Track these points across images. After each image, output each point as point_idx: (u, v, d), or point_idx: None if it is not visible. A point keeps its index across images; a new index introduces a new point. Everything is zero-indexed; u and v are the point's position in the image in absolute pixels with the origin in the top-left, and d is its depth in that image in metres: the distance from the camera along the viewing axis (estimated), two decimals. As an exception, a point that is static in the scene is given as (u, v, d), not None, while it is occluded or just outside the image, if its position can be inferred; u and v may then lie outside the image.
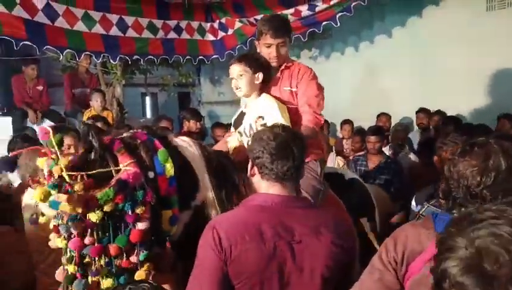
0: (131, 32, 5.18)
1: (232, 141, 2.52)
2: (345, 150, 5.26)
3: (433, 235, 1.34)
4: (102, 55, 5.11)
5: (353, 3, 5.18)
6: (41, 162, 1.66)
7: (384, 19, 6.41)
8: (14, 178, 2.96)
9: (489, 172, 1.31)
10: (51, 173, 1.60)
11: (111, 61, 5.56)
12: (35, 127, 5.59)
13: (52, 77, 6.88)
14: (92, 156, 1.67)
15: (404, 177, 4.25)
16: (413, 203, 2.68)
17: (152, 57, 5.52)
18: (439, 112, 5.39)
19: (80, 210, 1.55)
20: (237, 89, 2.44)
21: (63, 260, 1.70)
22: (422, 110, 5.49)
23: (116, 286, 1.55)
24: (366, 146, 4.63)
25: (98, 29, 4.91)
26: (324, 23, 5.43)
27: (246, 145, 2.38)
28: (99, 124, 4.43)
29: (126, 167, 1.67)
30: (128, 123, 6.03)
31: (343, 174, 3.15)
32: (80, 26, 4.77)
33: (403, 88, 6.09)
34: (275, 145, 1.61)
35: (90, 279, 1.66)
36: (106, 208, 1.60)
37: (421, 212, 2.37)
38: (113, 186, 1.61)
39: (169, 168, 1.83)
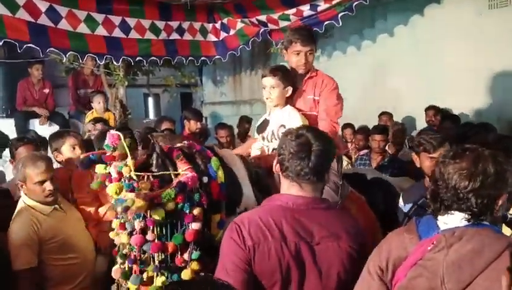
0: (133, 34, 5.18)
1: (256, 148, 2.75)
2: (350, 152, 5.27)
3: (416, 240, 1.40)
4: (105, 57, 5.12)
5: (355, 3, 5.17)
6: (100, 169, 1.85)
7: (386, 18, 6.40)
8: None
9: (477, 176, 1.36)
10: (120, 174, 1.79)
11: (114, 62, 5.58)
12: (37, 128, 5.64)
13: (56, 79, 6.92)
14: (154, 160, 1.88)
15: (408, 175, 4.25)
16: (401, 202, 2.70)
17: (155, 58, 5.53)
18: (433, 107, 5.40)
19: (144, 207, 1.73)
20: (268, 99, 2.67)
21: (118, 258, 1.88)
22: (431, 108, 5.48)
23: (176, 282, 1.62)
24: (370, 144, 4.65)
25: (100, 31, 4.92)
26: (326, 22, 5.43)
27: (266, 151, 2.65)
28: (99, 126, 4.47)
29: (185, 172, 1.88)
30: (131, 124, 6.07)
31: (364, 174, 3.24)
32: (83, 28, 4.78)
33: (405, 87, 6.09)
34: (294, 144, 1.64)
35: (146, 275, 1.81)
36: (168, 207, 1.79)
37: (409, 214, 2.40)
38: (174, 187, 1.80)
39: (221, 175, 2.05)
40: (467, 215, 1.37)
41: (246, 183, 2.19)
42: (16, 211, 2.51)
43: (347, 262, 1.61)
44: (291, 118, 2.59)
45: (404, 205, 2.67)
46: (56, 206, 2.57)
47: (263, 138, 2.71)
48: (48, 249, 2.47)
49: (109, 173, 1.83)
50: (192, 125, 5.17)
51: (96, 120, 4.90)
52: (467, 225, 1.36)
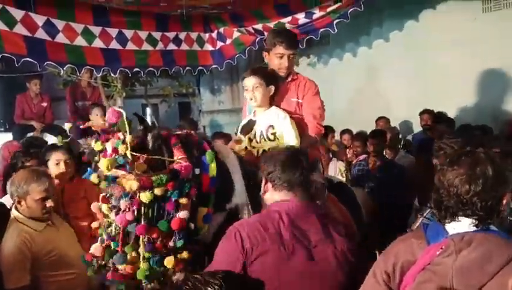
0: (130, 45, 5.22)
1: (239, 146, 2.69)
2: (349, 158, 5.27)
3: (425, 245, 1.40)
4: (102, 69, 5.14)
5: (350, 10, 5.22)
6: (98, 145, 1.83)
7: (381, 24, 6.45)
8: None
9: (477, 179, 1.36)
10: (115, 150, 1.77)
11: (111, 74, 5.60)
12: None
13: (54, 92, 6.93)
14: (150, 143, 1.85)
15: (404, 180, 4.26)
16: (416, 203, 2.71)
17: (152, 69, 5.55)
18: (427, 111, 5.42)
19: (134, 188, 1.71)
20: (251, 99, 2.61)
21: (103, 235, 1.86)
22: (426, 112, 5.50)
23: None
24: (368, 149, 4.66)
25: (97, 43, 4.95)
26: (321, 30, 5.47)
27: (255, 153, 2.59)
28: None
29: (179, 160, 1.85)
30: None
31: (332, 179, 3.21)
32: (80, 41, 4.81)
33: (401, 92, 6.11)
34: (284, 158, 1.76)
35: (129, 256, 1.79)
36: (157, 192, 1.76)
37: (425, 215, 2.39)
38: (167, 173, 1.79)
39: (213, 169, 2.03)
40: (474, 221, 1.36)
41: (238, 180, 2.17)
42: (8, 228, 2.44)
43: (344, 264, 1.66)
44: (279, 118, 2.57)
45: (419, 206, 2.68)
46: (49, 222, 2.54)
47: (250, 139, 2.66)
48: (42, 266, 2.43)
49: (105, 149, 1.82)
50: (187, 135, 5.19)
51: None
52: (475, 231, 1.36)
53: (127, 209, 1.76)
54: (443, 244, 1.35)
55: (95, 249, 1.87)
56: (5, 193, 3.37)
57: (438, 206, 1.43)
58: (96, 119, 5.69)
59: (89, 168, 1.89)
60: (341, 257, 1.67)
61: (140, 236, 1.78)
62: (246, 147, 2.64)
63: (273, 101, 2.67)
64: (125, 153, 1.76)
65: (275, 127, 2.56)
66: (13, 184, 2.49)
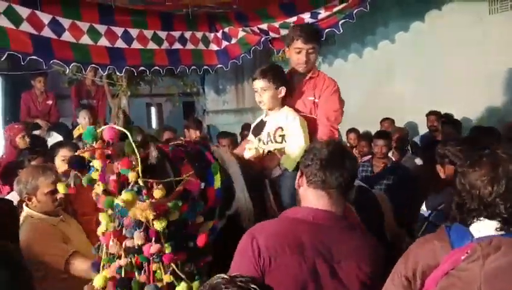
0: (136, 44, 5.22)
1: (248, 147, 2.63)
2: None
3: (448, 249, 1.33)
4: (108, 68, 5.16)
5: (355, 10, 5.21)
6: (97, 164, 1.62)
7: (387, 25, 6.43)
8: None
9: (500, 180, 1.31)
10: (123, 178, 1.59)
11: (117, 73, 5.61)
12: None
13: (60, 90, 6.96)
14: (154, 162, 1.64)
15: (411, 183, 4.23)
16: (424, 207, 2.66)
17: (158, 68, 5.56)
18: (434, 112, 5.39)
19: (151, 217, 1.56)
20: (260, 102, 2.53)
21: (120, 263, 1.67)
22: (433, 113, 5.47)
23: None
24: (373, 150, 4.64)
25: (103, 42, 4.96)
26: (327, 30, 5.46)
27: (261, 152, 2.52)
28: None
29: (188, 178, 1.71)
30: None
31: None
32: (86, 39, 4.82)
33: (407, 93, 6.09)
34: (327, 153, 1.58)
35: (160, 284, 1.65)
36: (171, 217, 1.62)
37: (430, 219, 2.36)
38: (180, 196, 1.64)
39: (218, 180, 1.91)
40: (498, 224, 1.31)
41: (239, 185, 2.09)
42: (22, 226, 2.41)
43: (363, 282, 1.53)
44: (289, 120, 2.46)
45: (426, 211, 2.65)
46: (62, 217, 2.56)
47: (259, 140, 2.58)
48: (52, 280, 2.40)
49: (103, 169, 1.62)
50: (191, 134, 5.23)
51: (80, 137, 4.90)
52: (503, 234, 1.30)
53: (144, 241, 1.62)
54: (469, 249, 1.29)
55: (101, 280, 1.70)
56: (5, 184, 3.40)
57: (461, 210, 1.38)
58: (83, 123, 5.67)
59: (92, 167, 1.74)
60: (365, 278, 1.53)
61: (172, 264, 1.65)
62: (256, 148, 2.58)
63: (285, 101, 2.56)
64: (138, 181, 1.58)
65: (284, 128, 2.46)
66: (20, 182, 2.50)
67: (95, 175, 1.67)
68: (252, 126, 2.74)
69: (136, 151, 1.59)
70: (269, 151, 2.53)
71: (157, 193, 1.58)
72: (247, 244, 1.50)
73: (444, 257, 1.32)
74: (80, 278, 2.43)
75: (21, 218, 2.50)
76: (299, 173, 1.68)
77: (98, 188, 1.69)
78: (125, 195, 1.55)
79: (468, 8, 5.61)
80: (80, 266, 2.30)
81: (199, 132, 5.35)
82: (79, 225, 2.71)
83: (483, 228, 1.33)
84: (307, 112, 2.58)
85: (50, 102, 6.18)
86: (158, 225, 1.60)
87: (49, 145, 4.85)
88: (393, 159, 4.71)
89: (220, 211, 1.98)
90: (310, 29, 2.65)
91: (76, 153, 1.67)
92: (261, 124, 2.62)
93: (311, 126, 2.52)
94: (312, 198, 1.59)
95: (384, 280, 1.46)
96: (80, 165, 1.66)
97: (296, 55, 2.58)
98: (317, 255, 1.49)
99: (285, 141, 2.47)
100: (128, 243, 1.65)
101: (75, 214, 2.77)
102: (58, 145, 3.07)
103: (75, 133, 5.63)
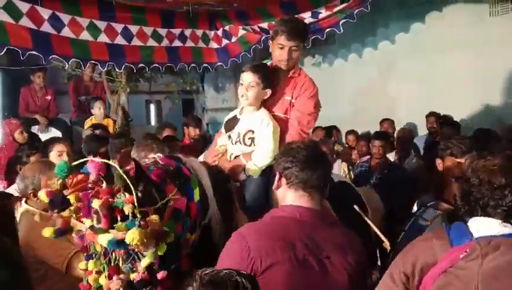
0: (136, 41, 5.20)
1: (220, 141, 2.59)
2: (353, 159, 5.24)
3: (447, 247, 1.34)
4: (107, 64, 5.14)
5: (356, 10, 5.19)
6: (97, 203, 1.49)
7: (387, 26, 6.43)
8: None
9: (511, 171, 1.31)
10: (120, 212, 1.48)
11: (116, 69, 5.60)
12: (40, 135, 5.65)
13: (58, 86, 6.95)
14: (140, 187, 1.53)
15: (409, 184, 4.23)
16: (415, 208, 2.66)
17: (157, 65, 5.55)
18: (433, 114, 5.39)
19: (152, 247, 1.49)
20: (243, 96, 2.41)
21: None
22: (432, 114, 5.47)
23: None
24: (371, 151, 4.64)
25: (103, 38, 4.94)
26: (327, 30, 5.45)
27: (228, 153, 2.46)
28: (98, 132, 4.50)
29: (174, 197, 1.64)
30: (132, 131, 6.08)
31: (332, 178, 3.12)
32: (85, 35, 4.80)
33: (406, 94, 6.10)
34: (305, 154, 1.61)
35: None
36: (169, 239, 1.53)
37: (418, 215, 2.36)
38: (172, 217, 1.58)
39: (197, 194, 1.84)
40: (502, 220, 1.31)
41: (210, 195, 1.99)
42: (25, 224, 2.37)
43: (354, 278, 1.56)
44: (262, 126, 2.37)
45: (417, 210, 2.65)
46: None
47: (229, 137, 2.49)
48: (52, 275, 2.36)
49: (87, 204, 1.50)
50: (191, 132, 5.23)
51: (95, 126, 4.92)
52: (503, 235, 1.31)
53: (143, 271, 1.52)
54: (467, 247, 1.29)
55: None
56: (8, 182, 3.40)
57: (466, 199, 1.37)
58: (98, 113, 5.71)
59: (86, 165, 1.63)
60: (352, 271, 1.57)
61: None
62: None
63: (264, 104, 2.46)
64: (134, 212, 1.47)
65: (255, 132, 2.38)
66: (26, 178, 2.43)
67: (71, 213, 1.56)
68: (225, 120, 2.63)
69: (129, 183, 1.46)
70: (236, 156, 2.45)
71: (153, 222, 1.48)
72: (236, 247, 1.50)
73: (442, 255, 1.33)
74: (80, 279, 2.41)
75: (18, 214, 2.48)
76: (277, 176, 1.68)
77: (79, 224, 1.57)
78: (131, 235, 1.42)
79: (469, 10, 5.61)
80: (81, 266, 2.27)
81: (199, 129, 5.35)
82: (78, 223, 2.69)
83: (483, 227, 1.33)
84: (282, 111, 2.49)
85: (49, 97, 6.17)
86: (160, 251, 1.52)
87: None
88: (391, 160, 4.71)
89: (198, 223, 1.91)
90: (296, 25, 2.48)
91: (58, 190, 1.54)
92: (234, 120, 2.51)
93: (284, 128, 2.45)
94: (292, 198, 1.63)
95: (367, 272, 1.51)
96: (62, 204, 1.54)
97: (278, 50, 2.45)
98: (307, 251, 1.51)
99: (254, 144, 2.39)
100: (135, 277, 1.54)
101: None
102: (53, 140, 3.05)
103: (87, 123, 5.63)
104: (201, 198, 1.87)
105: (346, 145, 5.97)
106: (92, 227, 1.53)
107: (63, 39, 4.62)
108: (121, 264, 1.55)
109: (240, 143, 2.44)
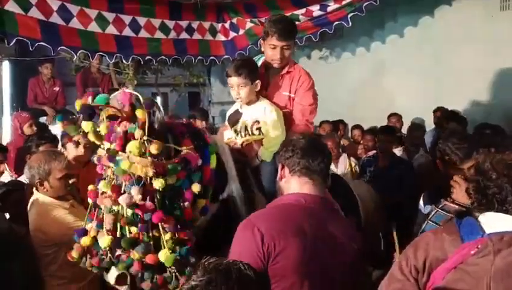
0: (143, 33, 5.22)
1: (227, 135, 2.68)
2: (359, 154, 5.23)
3: (458, 242, 1.32)
4: (115, 56, 5.16)
5: (365, 4, 5.16)
6: (104, 127, 1.73)
7: (396, 19, 6.37)
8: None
9: None
10: (131, 135, 1.68)
11: (123, 61, 5.60)
12: (49, 127, 5.68)
13: (66, 77, 6.98)
14: (156, 128, 1.75)
15: (414, 177, 4.22)
16: (421, 203, 2.64)
17: (164, 57, 5.55)
18: (440, 109, 5.35)
19: (150, 174, 1.66)
20: (238, 98, 2.55)
21: (116, 221, 1.74)
22: (439, 109, 5.43)
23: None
24: (378, 145, 4.63)
25: (111, 29, 4.96)
26: (336, 23, 5.43)
27: (239, 142, 2.57)
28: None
29: (188, 150, 1.81)
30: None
31: None
32: (94, 26, 4.83)
33: (414, 88, 6.06)
34: (305, 142, 1.70)
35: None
36: (169, 180, 1.71)
37: (430, 218, 2.34)
38: (179, 162, 1.74)
39: (214, 160, 2.00)
40: None
41: (232, 172, 2.18)
42: (37, 211, 2.44)
43: (357, 261, 1.63)
44: (266, 113, 2.50)
45: (424, 207, 2.63)
46: (71, 201, 2.57)
47: (236, 131, 2.60)
48: (66, 249, 2.46)
49: (110, 130, 1.74)
50: (198, 124, 5.22)
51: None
52: None
53: (140, 196, 1.68)
54: (479, 243, 1.27)
55: (103, 240, 1.76)
56: (17, 172, 3.43)
57: (482, 193, 1.35)
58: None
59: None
60: (357, 254, 1.64)
61: (160, 223, 1.71)
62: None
63: (261, 92, 2.58)
64: (143, 139, 1.67)
65: (261, 122, 2.50)
66: (32, 167, 2.48)
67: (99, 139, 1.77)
68: (228, 114, 2.74)
69: (145, 114, 1.68)
70: (248, 143, 2.56)
71: (153, 147, 1.65)
72: (248, 233, 1.52)
73: (453, 251, 1.31)
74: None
75: (29, 202, 2.52)
76: (280, 167, 1.75)
77: (102, 150, 1.79)
78: (131, 145, 1.65)
79: (479, 4, 5.55)
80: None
81: (205, 122, 5.36)
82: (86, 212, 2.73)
83: (497, 222, 1.31)
84: (282, 106, 2.61)
85: (57, 88, 6.20)
86: (157, 184, 1.67)
87: (54, 132, 4.90)
88: (398, 155, 4.69)
89: (213, 193, 2.05)
90: (286, 25, 2.59)
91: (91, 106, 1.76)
92: (237, 114, 2.62)
93: (286, 120, 2.57)
94: (296, 186, 1.69)
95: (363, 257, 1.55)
96: (88, 113, 1.74)
97: (270, 50, 2.57)
98: (316, 236, 1.56)
99: (262, 133, 2.51)
100: (125, 197, 1.69)
101: (82, 203, 2.79)
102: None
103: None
104: (217, 168, 2.02)
105: (352, 140, 5.95)
106: (108, 150, 1.73)
107: (71, 30, 4.65)
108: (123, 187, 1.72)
109: (249, 134, 2.55)
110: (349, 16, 5.30)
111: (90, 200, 1.86)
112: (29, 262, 2.27)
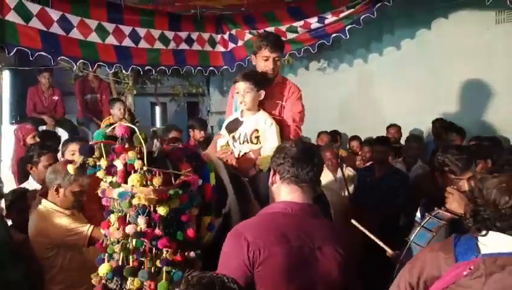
0: (143, 43, 5.26)
1: (220, 143, 2.87)
2: (357, 165, 5.24)
3: (452, 261, 1.32)
4: (114, 66, 5.19)
5: (362, 16, 5.22)
6: (104, 161, 1.81)
7: (393, 32, 6.44)
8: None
9: None
10: (130, 167, 1.75)
11: (123, 71, 5.64)
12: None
13: (65, 87, 7.02)
14: (156, 156, 1.83)
15: (410, 188, 4.23)
16: (418, 214, 2.66)
17: (164, 68, 5.59)
18: (439, 120, 5.39)
19: (153, 202, 1.73)
20: (242, 103, 2.74)
21: (116, 254, 1.80)
22: (438, 121, 5.46)
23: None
24: (373, 156, 4.65)
25: (111, 40, 4.99)
26: (333, 35, 5.48)
27: (236, 153, 2.75)
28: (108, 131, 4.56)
29: (187, 173, 1.88)
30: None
31: None
32: (94, 37, 4.86)
33: (411, 100, 6.10)
34: (296, 151, 1.73)
35: (153, 270, 1.77)
36: (172, 205, 1.78)
37: (423, 224, 2.36)
38: (180, 186, 1.81)
39: (213, 178, 2.10)
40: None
41: (228, 186, 2.32)
42: (40, 215, 2.50)
43: (342, 267, 1.64)
44: (266, 125, 2.72)
45: (420, 218, 2.64)
46: (72, 211, 2.60)
47: (234, 138, 2.79)
48: (64, 252, 2.49)
49: (110, 165, 1.81)
50: (196, 134, 5.27)
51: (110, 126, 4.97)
52: (510, 254, 1.27)
53: (147, 224, 1.75)
54: (472, 264, 1.27)
55: (102, 267, 1.83)
56: (19, 181, 3.47)
57: (475, 218, 1.36)
58: (118, 113, 5.72)
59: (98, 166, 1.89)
60: (341, 260, 1.65)
61: (164, 249, 1.76)
62: (227, 143, 2.82)
63: (261, 105, 2.80)
64: (143, 169, 1.75)
65: (260, 131, 2.71)
66: (59, 172, 2.51)
67: (101, 174, 1.85)
68: (227, 121, 2.92)
69: (143, 144, 1.76)
70: (245, 153, 2.76)
71: (156, 180, 1.74)
72: (235, 242, 1.58)
73: (447, 269, 1.32)
74: (89, 270, 2.47)
75: (33, 207, 2.56)
76: (271, 172, 1.81)
77: (104, 184, 1.85)
78: (133, 178, 1.72)
79: (475, 18, 5.62)
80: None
81: (204, 132, 5.39)
82: (85, 220, 2.74)
83: (492, 243, 1.30)
84: (276, 113, 2.89)
85: (56, 98, 6.23)
86: (161, 210, 1.74)
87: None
88: (397, 166, 4.70)
89: (216, 208, 2.15)
90: (276, 38, 2.94)
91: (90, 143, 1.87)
92: (237, 122, 2.81)
93: (279, 126, 2.81)
94: (285, 193, 1.73)
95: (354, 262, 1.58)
96: (89, 153, 1.83)
97: (263, 62, 2.85)
98: (301, 243, 1.60)
99: (260, 143, 2.73)
100: (130, 228, 1.75)
101: (82, 210, 2.81)
102: (67, 141, 3.24)
103: (105, 122, 5.64)
104: (217, 184, 2.12)
105: (350, 151, 5.97)
106: (111, 183, 1.82)
107: (71, 40, 4.68)
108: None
109: (248, 142, 2.75)
110: (346, 28, 5.36)
111: (102, 231, 1.93)
112: (28, 270, 2.30)
